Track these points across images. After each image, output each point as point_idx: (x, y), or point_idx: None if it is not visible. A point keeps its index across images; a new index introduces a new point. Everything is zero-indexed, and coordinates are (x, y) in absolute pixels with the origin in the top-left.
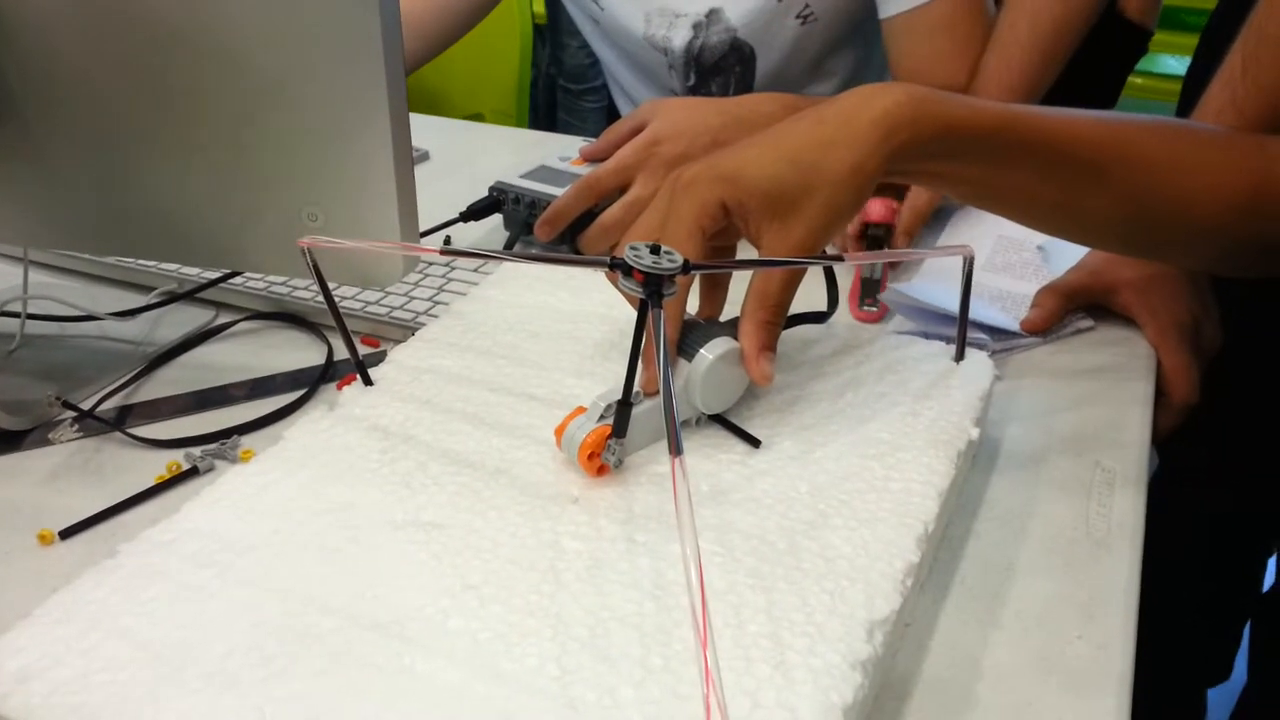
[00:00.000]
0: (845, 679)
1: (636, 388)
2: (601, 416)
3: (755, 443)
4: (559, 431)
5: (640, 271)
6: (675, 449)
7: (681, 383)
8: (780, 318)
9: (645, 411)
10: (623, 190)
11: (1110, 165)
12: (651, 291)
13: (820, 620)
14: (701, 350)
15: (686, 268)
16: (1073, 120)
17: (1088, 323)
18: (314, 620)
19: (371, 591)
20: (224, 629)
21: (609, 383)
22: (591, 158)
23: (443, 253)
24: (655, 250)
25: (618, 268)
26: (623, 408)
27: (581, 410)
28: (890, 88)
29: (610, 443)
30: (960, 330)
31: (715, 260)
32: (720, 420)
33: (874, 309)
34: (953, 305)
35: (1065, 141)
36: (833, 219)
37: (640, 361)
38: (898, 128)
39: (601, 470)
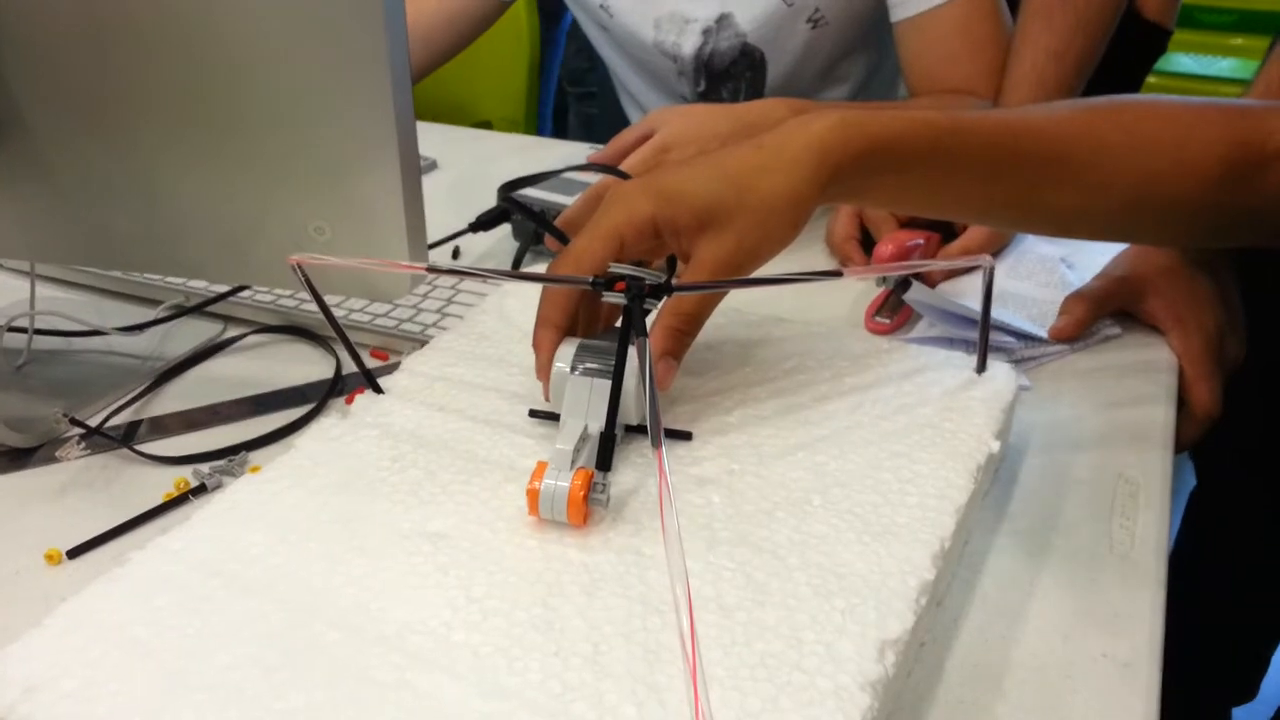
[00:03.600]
0: (853, 701)
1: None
2: (573, 463)
3: (687, 436)
4: (532, 496)
5: (623, 280)
6: (657, 440)
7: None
8: (691, 329)
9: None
10: None
11: (1068, 157)
12: (634, 296)
13: (830, 639)
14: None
15: (669, 288)
16: (1022, 118)
17: (1115, 330)
18: (318, 632)
19: (376, 603)
20: (229, 639)
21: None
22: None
23: (428, 270)
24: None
25: (598, 287)
26: (608, 440)
27: (544, 466)
28: (825, 114)
29: (596, 482)
30: (981, 341)
31: (695, 281)
32: (641, 429)
33: (886, 321)
34: (977, 306)
35: (1014, 140)
36: (765, 240)
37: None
38: (830, 151)
39: (588, 517)
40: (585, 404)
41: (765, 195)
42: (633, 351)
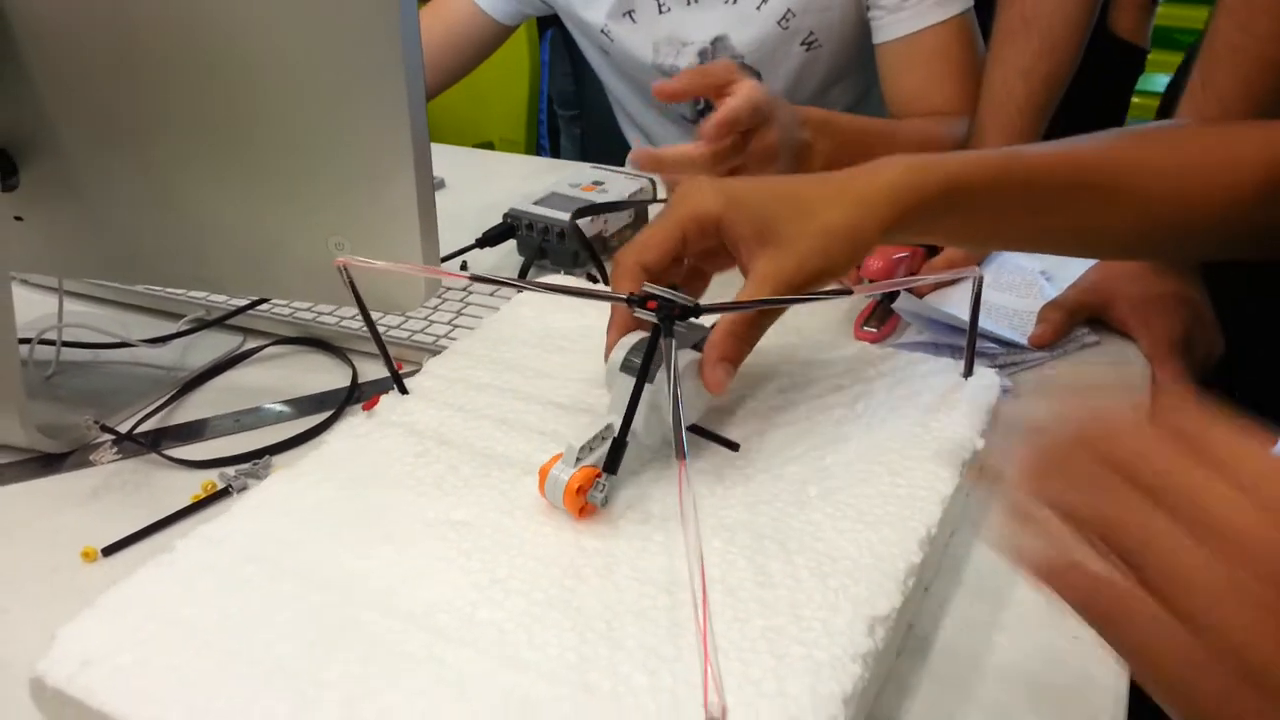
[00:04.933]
0: (845, 670)
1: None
2: (578, 459)
3: (734, 447)
4: (541, 475)
5: (654, 299)
6: (681, 453)
7: (649, 398)
8: (753, 335)
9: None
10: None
11: (1117, 183)
12: (664, 317)
13: (824, 616)
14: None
15: (698, 310)
16: (1073, 149)
17: (1093, 337)
18: (352, 612)
19: (405, 585)
20: (269, 619)
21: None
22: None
23: (471, 278)
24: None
25: (634, 303)
26: (618, 446)
27: (559, 457)
28: (893, 161)
29: (598, 480)
30: (969, 346)
31: (722, 302)
32: (696, 429)
33: (874, 330)
34: (963, 315)
35: (1069, 171)
36: (826, 266)
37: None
38: (903, 195)
39: (585, 511)
40: (624, 402)
41: (826, 223)
42: (684, 358)
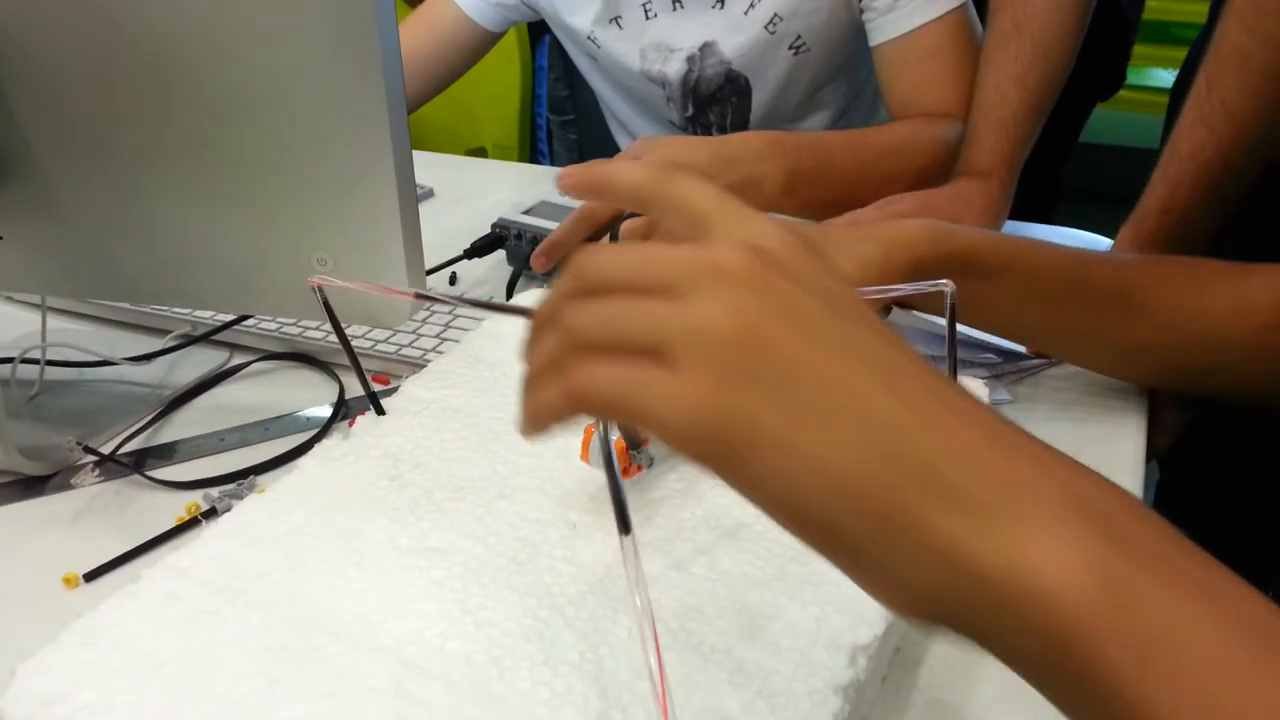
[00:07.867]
0: (825, 703)
1: None
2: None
3: None
4: (585, 443)
5: None
6: (623, 528)
7: None
8: None
9: None
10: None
11: (1132, 290)
12: None
13: (804, 646)
14: None
15: None
16: (1087, 252)
17: None
18: (319, 644)
19: (375, 615)
20: (234, 652)
21: None
22: None
23: (434, 299)
24: None
25: None
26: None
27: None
28: (913, 220)
29: (632, 452)
30: (950, 360)
31: None
32: None
33: None
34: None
35: (1084, 267)
36: (858, 284)
37: None
38: (919, 244)
39: (630, 471)
40: None
41: (861, 253)
42: None
